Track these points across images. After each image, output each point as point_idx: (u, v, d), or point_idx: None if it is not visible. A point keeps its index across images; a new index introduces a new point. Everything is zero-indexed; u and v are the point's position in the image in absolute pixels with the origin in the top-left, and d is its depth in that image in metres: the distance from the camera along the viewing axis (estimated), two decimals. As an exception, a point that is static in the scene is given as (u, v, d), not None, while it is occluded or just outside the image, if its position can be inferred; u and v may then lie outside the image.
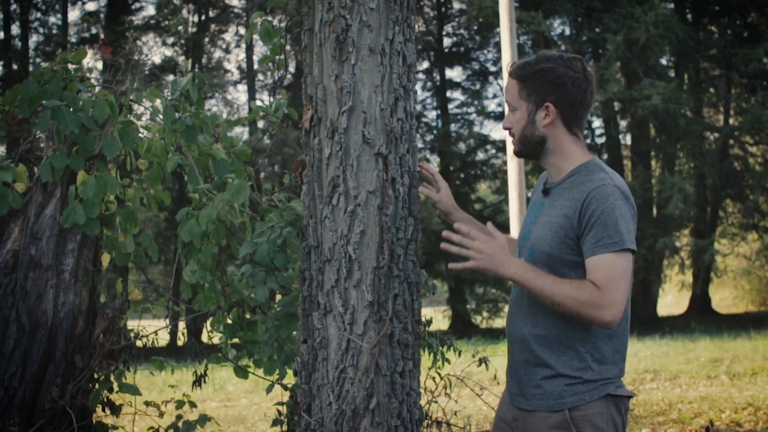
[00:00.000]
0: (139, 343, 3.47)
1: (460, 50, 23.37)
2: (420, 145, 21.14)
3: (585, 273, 2.12)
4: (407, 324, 2.43)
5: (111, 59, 3.50)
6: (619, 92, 17.42)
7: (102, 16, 20.54)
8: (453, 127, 22.39)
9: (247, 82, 20.96)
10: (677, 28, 17.33)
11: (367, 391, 2.35)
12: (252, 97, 20.62)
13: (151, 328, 3.52)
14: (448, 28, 23.23)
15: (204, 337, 9.88)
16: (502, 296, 20.70)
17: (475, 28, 22.18)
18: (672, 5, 20.15)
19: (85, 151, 3.18)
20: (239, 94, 39.16)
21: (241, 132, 18.95)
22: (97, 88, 3.33)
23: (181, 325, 4.12)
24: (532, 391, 2.22)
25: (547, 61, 2.23)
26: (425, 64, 22.36)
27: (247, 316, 3.29)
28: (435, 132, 22.32)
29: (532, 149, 2.29)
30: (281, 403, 3.03)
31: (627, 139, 21.81)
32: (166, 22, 19.09)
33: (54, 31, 20.13)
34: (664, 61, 19.82)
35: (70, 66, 3.26)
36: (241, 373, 3.34)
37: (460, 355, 3.75)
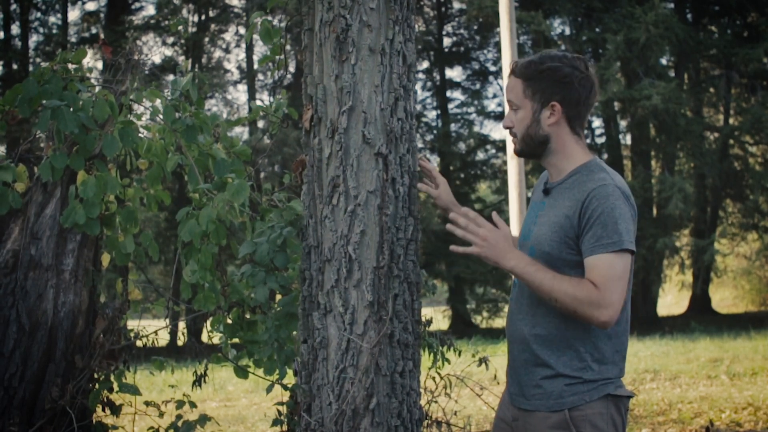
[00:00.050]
0: (139, 343, 3.47)
1: (460, 50, 23.38)
2: (420, 145, 21.10)
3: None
4: (407, 324, 2.43)
5: (111, 59, 3.50)
6: (619, 92, 17.43)
7: (102, 16, 20.55)
8: (453, 127, 22.41)
9: (247, 82, 20.98)
10: (677, 28, 17.34)
11: (367, 391, 2.35)
12: (252, 97, 20.62)
13: (151, 328, 3.52)
14: (448, 28, 23.25)
15: (204, 337, 9.90)
16: (502, 296, 20.70)
17: (475, 27, 22.19)
18: (672, 5, 20.16)
19: (85, 151, 3.17)
20: (239, 94, 39.17)
21: (241, 132, 18.97)
22: (97, 88, 3.32)
23: (181, 325, 4.12)
24: (531, 391, 2.22)
25: (552, 60, 2.22)
26: (425, 64, 22.39)
27: (247, 316, 3.28)
28: (435, 132, 22.33)
29: (534, 148, 2.29)
30: (281, 403, 3.03)
31: (627, 139, 21.82)
32: (166, 22, 19.09)
33: (54, 31, 20.13)
34: (664, 61, 19.82)
35: (70, 66, 3.26)
36: (241, 373, 3.34)
37: (460, 355, 3.74)
